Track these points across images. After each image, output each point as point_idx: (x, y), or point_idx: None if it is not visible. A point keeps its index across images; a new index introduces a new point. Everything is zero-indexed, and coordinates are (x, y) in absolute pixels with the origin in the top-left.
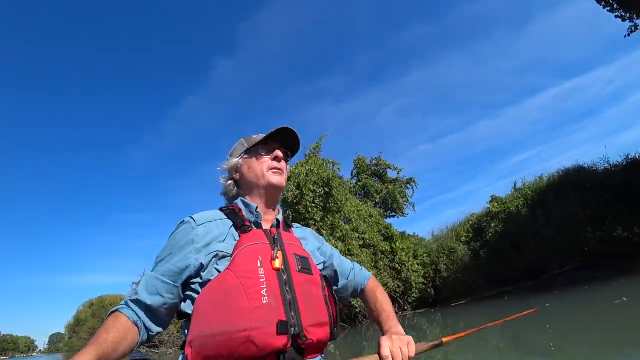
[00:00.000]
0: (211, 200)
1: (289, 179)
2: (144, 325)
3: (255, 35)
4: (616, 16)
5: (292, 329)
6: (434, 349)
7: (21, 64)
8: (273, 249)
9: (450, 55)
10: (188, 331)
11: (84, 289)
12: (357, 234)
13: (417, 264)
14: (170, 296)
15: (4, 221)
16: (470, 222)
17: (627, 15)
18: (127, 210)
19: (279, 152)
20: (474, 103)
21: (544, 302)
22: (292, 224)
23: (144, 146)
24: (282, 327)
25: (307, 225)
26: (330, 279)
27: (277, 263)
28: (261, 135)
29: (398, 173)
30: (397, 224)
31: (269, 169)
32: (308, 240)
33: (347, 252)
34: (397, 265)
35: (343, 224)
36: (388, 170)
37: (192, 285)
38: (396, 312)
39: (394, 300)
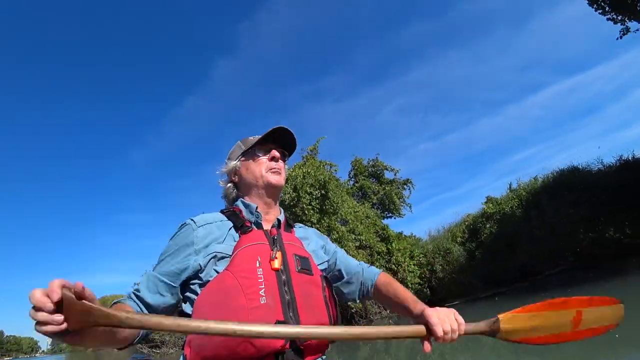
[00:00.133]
0: (212, 201)
1: (286, 181)
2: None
3: (255, 36)
4: (608, 19)
5: None
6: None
7: (22, 65)
8: (272, 250)
9: (450, 54)
10: None
11: None
12: (353, 236)
13: (414, 265)
14: (169, 296)
15: (7, 223)
16: (466, 223)
17: (619, 18)
18: (128, 211)
19: (276, 153)
20: (475, 101)
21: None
22: (295, 224)
23: (145, 147)
24: None
25: None
26: (335, 277)
27: (277, 263)
28: (258, 137)
29: (395, 174)
30: (397, 224)
31: (268, 170)
32: (310, 240)
33: None
34: (393, 266)
35: (340, 226)
36: (385, 171)
37: (192, 286)
38: (392, 313)
39: None
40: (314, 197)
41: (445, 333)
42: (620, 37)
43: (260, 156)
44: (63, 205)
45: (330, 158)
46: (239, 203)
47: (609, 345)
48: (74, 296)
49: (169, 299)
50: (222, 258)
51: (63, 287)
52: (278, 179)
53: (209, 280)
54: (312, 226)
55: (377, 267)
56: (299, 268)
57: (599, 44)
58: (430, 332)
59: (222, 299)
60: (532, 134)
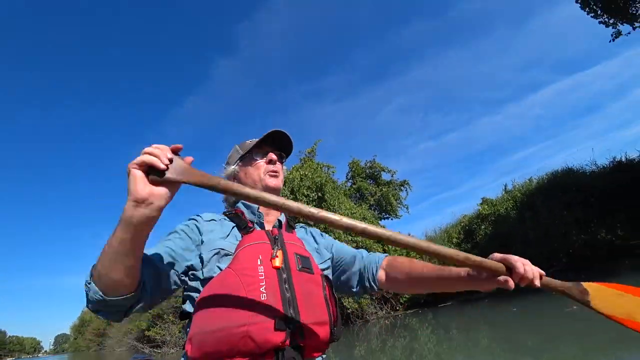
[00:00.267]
0: (213, 201)
1: (284, 183)
2: (143, 279)
3: (255, 36)
4: (600, 22)
5: (291, 326)
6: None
7: (22, 65)
8: (273, 249)
9: (450, 54)
10: (189, 328)
11: None
12: (350, 237)
13: None
14: (166, 269)
15: (8, 223)
16: (461, 224)
17: (611, 21)
18: None
19: (273, 155)
20: (475, 101)
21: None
22: (296, 224)
23: (146, 146)
24: (280, 324)
25: None
26: (334, 268)
27: (277, 262)
28: (254, 141)
29: (392, 176)
30: (397, 225)
31: (266, 173)
32: (312, 239)
33: None
34: None
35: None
36: (382, 173)
37: (193, 284)
38: (388, 313)
39: (385, 301)
40: (311, 199)
41: (526, 271)
42: (613, 40)
43: (257, 160)
44: (64, 205)
45: (330, 157)
46: (240, 205)
47: (605, 345)
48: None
49: (164, 274)
50: (225, 255)
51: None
52: (276, 182)
53: (211, 277)
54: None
55: None
56: (300, 267)
57: (598, 43)
58: (510, 271)
59: (223, 295)
60: (533, 133)
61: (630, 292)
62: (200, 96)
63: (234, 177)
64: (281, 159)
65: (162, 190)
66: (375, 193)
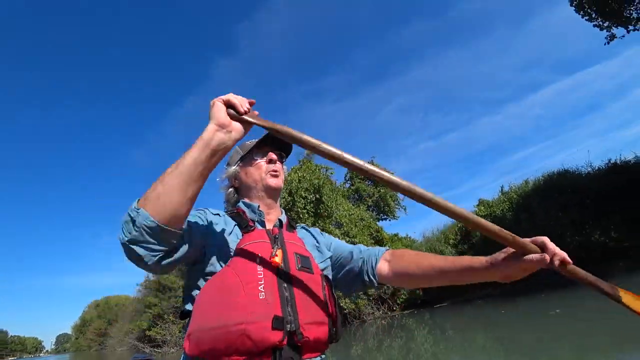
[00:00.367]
0: (213, 201)
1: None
2: (186, 228)
3: (255, 35)
4: (595, 25)
5: (289, 325)
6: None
7: (22, 65)
8: (273, 247)
9: (450, 54)
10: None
11: (90, 290)
12: (347, 238)
13: None
14: (197, 235)
15: (9, 223)
16: (458, 225)
17: (605, 25)
18: None
19: (273, 155)
20: (475, 101)
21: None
22: (297, 225)
23: (146, 146)
24: (277, 323)
25: None
26: (334, 266)
27: (277, 261)
28: (254, 141)
29: None
30: (397, 225)
31: (267, 173)
32: (314, 239)
33: None
34: None
35: (334, 229)
36: None
37: (196, 276)
38: (385, 313)
39: (382, 302)
40: (309, 201)
41: (556, 249)
42: (607, 43)
43: (258, 160)
44: (64, 205)
45: (326, 162)
46: (240, 204)
47: (600, 346)
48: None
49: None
50: (227, 252)
51: None
52: (277, 182)
53: (212, 272)
54: None
55: None
56: (299, 266)
57: (598, 43)
58: (543, 249)
59: (222, 293)
60: (533, 133)
61: None
62: (201, 96)
63: (235, 177)
64: (281, 159)
65: (238, 125)
66: (373, 194)
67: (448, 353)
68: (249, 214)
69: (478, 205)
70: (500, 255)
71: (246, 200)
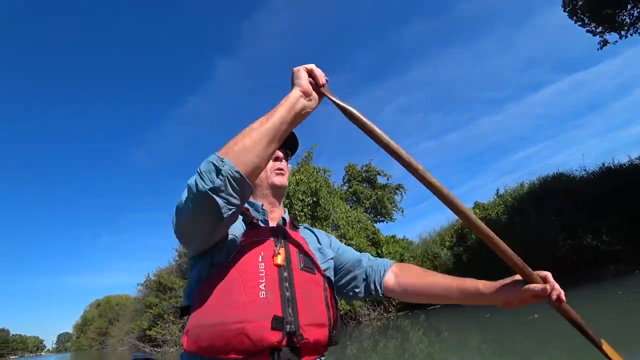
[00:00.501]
0: None
1: None
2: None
3: (255, 35)
4: (587, 31)
5: (288, 326)
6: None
7: (22, 65)
8: (276, 246)
9: (451, 53)
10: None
11: (91, 289)
12: (344, 241)
13: None
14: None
15: (9, 223)
16: (454, 228)
17: (598, 30)
18: (130, 211)
19: (279, 153)
20: (476, 100)
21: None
22: (300, 224)
23: (147, 146)
24: (277, 323)
25: None
26: (338, 271)
27: (279, 259)
28: None
29: (388, 179)
30: (393, 227)
31: (272, 171)
32: (317, 239)
33: None
34: None
35: (330, 231)
36: (378, 176)
37: (201, 266)
38: (380, 314)
39: (378, 303)
40: (306, 203)
41: (557, 289)
42: (600, 48)
43: None
44: (65, 205)
45: (330, 158)
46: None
47: (594, 349)
48: None
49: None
50: (234, 244)
51: None
52: (282, 180)
53: (220, 263)
54: None
55: None
56: (302, 266)
57: (598, 42)
58: (544, 282)
59: (222, 290)
60: (533, 133)
61: None
62: (201, 96)
63: None
64: (286, 157)
65: (316, 95)
66: (371, 196)
67: (443, 353)
68: (252, 212)
69: (474, 208)
70: (506, 280)
71: (251, 199)
